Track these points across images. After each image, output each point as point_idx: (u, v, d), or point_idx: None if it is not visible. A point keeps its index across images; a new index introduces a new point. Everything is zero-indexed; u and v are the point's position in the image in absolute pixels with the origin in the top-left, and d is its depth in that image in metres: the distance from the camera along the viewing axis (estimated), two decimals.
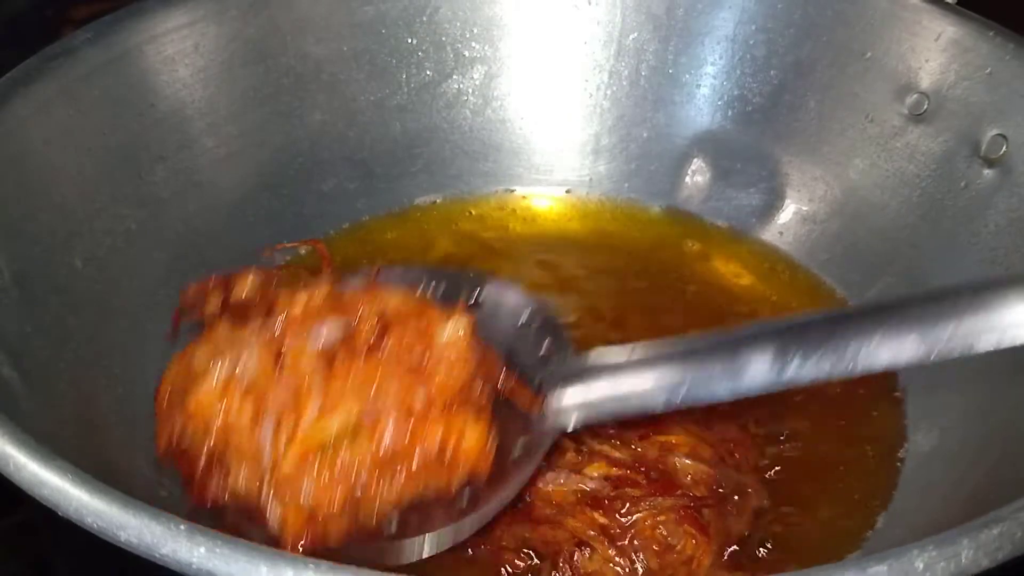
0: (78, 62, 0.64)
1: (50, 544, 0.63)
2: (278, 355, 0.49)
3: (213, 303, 0.55)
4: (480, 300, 0.57)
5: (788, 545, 0.55)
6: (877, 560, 0.34)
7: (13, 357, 0.51)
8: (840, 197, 0.73)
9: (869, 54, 0.71)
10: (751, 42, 0.75)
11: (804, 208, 0.74)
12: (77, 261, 0.61)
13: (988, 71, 0.65)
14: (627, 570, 0.51)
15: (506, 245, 0.77)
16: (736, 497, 0.54)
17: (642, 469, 0.53)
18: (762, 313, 0.71)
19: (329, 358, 0.49)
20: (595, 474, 0.53)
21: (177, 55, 0.69)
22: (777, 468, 0.59)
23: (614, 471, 0.53)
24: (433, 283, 0.56)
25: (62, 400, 0.54)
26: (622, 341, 0.66)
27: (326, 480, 0.47)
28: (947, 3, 0.69)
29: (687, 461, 0.54)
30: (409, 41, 0.77)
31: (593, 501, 0.52)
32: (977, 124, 0.66)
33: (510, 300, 0.58)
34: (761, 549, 0.54)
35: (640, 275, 0.74)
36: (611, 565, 0.51)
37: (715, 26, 0.76)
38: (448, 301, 0.54)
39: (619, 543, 0.52)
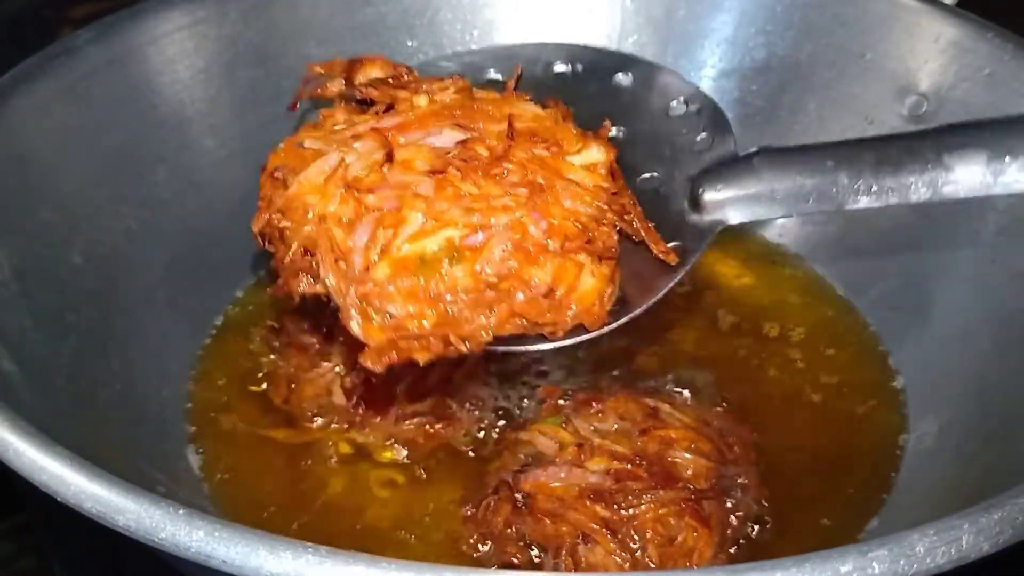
0: (80, 62, 0.64)
1: (51, 544, 0.63)
2: (390, 153, 0.45)
3: (335, 84, 0.52)
4: (632, 80, 0.54)
5: (789, 537, 0.55)
6: (878, 544, 0.34)
7: (13, 350, 0.51)
8: None
9: (868, 56, 0.71)
10: (751, 44, 0.75)
11: None
12: (77, 258, 0.61)
13: (987, 72, 0.65)
14: (629, 562, 0.51)
15: None
16: (736, 490, 0.55)
17: (643, 463, 0.53)
18: (762, 313, 0.71)
19: (443, 165, 0.45)
20: (597, 468, 0.53)
21: (178, 56, 0.69)
22: (777, 462, 0.59)
23: (616, 465, 0.53)
24: (578, 64, 0.54)
25: (61, 394, 0.54)
26: (620, 340, 0.67)
27: (418, 299, 0.43)
28: (946, 4, 0.69)
29: (687, 455, 0.54)
30: (409, 44, 0.77)
31: (595, 494, 0.52)
32: None
33: (665, 82, 0.54)
34: (761, 540, 0.54)
35: None
36: (613, 557, 0.51)
37: (714, 29, 0.76)
38: (596, 81, 0.52)
39: (621, 536, 0.52)
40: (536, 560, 0.53)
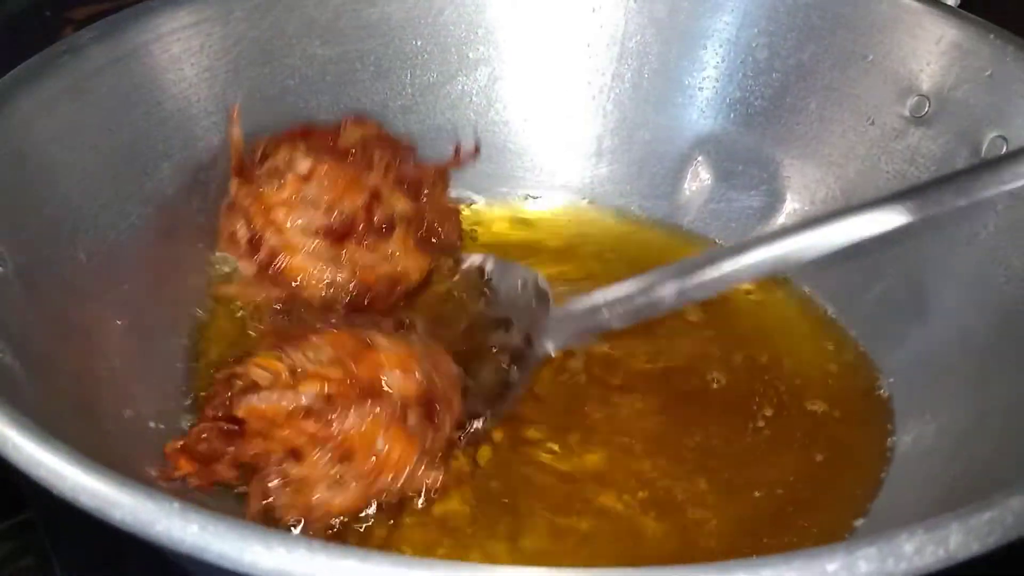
0: (84, 60, 0.64)
1: (51, 544, 0.63)
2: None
3: None
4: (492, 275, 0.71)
5: (777, 537, 0.55)
6: (866, 543, 0.34)
7: (15, 346, 0.51)
8: (841, 199, 0.73)
9: (871, 57, 0.71)
10: (753, 45, 0.75)
11: (805, 210, 0.75)
12: (81, 254, 0.61)
13: (988, 73, 0.65)
14: (337, 474, 0.54)
15: (507, 246, 0.77)
16: (441, 407, 0.57)
17: (355, 384, 0.55)
18: (761, 312, 0.71)
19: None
20: (309, 391, 0.54)
21: (183, 54, 0.70)
22: (767, 462, 0.60)
23: (328, 388, 0.54)
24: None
25: (63, 391, 0.54)
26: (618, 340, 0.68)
27: None
28: (948, 6, 0.69)
29: (396, 374, 0.56)
30: (414, 43, 0.77)
31: (306, 414, 0.54)
32: (977, 126, 0.66)
33: (515, 272, 0.70)
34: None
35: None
36: (321, 469, 0.54)
37: (717, 29, 0.76)
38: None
39: (328, 449, 0.54)
40: (245, 477, 0.56)
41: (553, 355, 0.66)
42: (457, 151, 0.74)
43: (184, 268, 0.68)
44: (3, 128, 0.59)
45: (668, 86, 0.78)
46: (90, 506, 0.37)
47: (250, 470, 0.56)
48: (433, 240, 0.71)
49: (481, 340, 0.68)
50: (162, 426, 0.61)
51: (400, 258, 0.68)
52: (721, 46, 0.77)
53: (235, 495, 0.59)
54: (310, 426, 0.53)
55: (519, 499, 0.59)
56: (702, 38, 0.77)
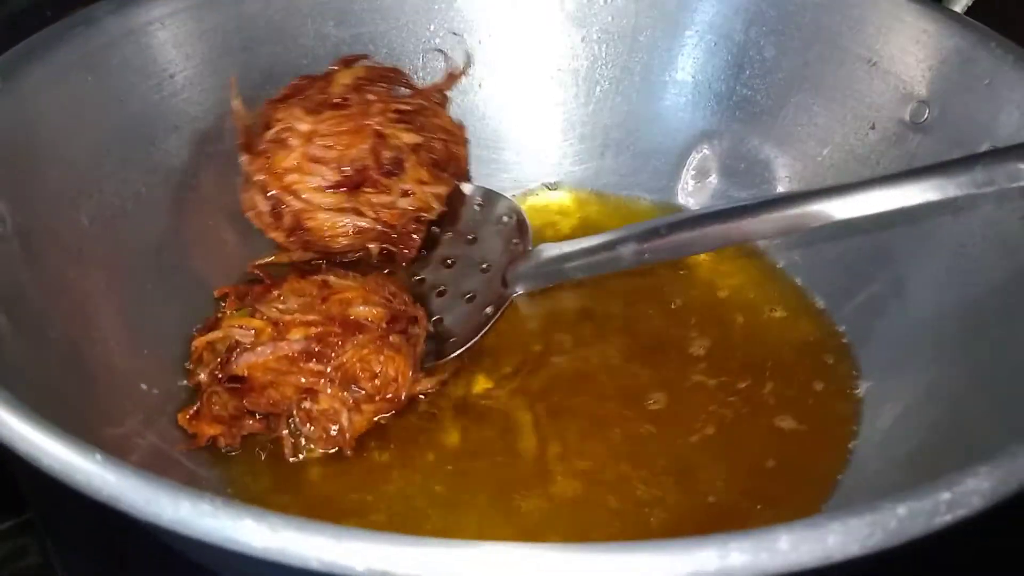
0: (98, 32, 0.67)
1: (52, 543, 0.65)
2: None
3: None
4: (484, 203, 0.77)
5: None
6: (741, 536, 0.35)
7: (6, 304, 0.54)
8: None
9: (875, 60, 0.71)
10: (761, 43, 0.75)
11: None
12: (84, 219, 0.64)
13: (987, 82, 0.65)
14: (350, 401, 0.61)
15: None
16: (411, 324, 0.65)
17: (334, 322, 0.61)
18: (749, 312, 0.72)
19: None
20: (297, 337, 0.61)
21: (197, 31, 0.72)
22: (733, 460, 0.61)
23: (312, 330, 0.61)
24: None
25: (53, 350, 0.57)
26: (613, 335, 0.70)
27: None
28: (952, 12, 0.68)
29: (363, 308, 0.62)
30: (427, 28, 0.79)
31: (305, 357, 0.60)
32: (974, 135, 0.65)
33: (502, 203, 0.77)
34: None
35: (632, 273, 0.73)
36: (336, 401, 0.61)
37: (727, 27, 0.77)
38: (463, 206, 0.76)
39: (336, 382, 0.60)
40: (270, 425, 0.62)
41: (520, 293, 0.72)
42: (450, 71, 0.78)
43: (187, 238, 0.71)
44: (15, 94, 0.61)
45: (676, 81, 0.79)
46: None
47: (274, 418, 0.62)
48: (446, 164, 0.74)
49: (459, 278, 0.73)
50: (155, 391, 0.63)
51: (417, 190, 0.71)
52: (730, 43, 0.77)
53: (221, 460, 0.62)
54: (313, 366, 0.60)
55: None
56: (711, 35, 0.77)
